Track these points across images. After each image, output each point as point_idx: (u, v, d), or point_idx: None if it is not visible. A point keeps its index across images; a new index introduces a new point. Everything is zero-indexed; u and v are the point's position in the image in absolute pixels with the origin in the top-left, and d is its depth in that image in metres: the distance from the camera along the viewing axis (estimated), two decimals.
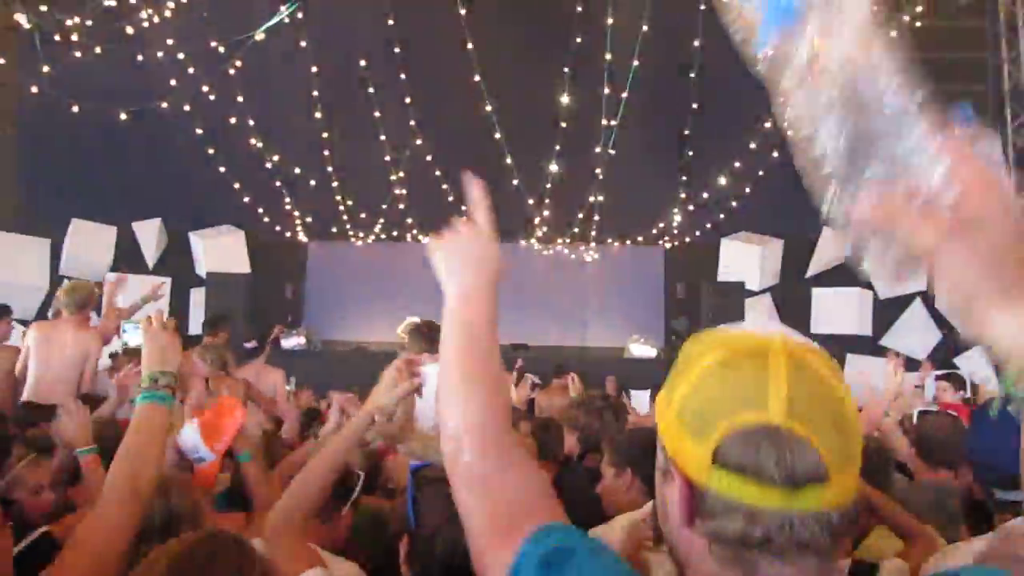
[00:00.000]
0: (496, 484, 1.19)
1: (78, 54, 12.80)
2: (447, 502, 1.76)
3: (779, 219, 14.19)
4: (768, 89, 1.26)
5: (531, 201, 14.64)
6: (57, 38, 12.83)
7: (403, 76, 13.90)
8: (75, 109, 12.75)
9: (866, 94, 1.11)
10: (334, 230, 15.73)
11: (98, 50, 12.88)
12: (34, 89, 12.78)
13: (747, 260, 14.47)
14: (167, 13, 12.64)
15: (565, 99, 13.63)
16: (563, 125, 13.77)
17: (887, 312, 13.86)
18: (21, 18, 12.79)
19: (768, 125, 13.56)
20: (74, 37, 12.84)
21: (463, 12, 13.06)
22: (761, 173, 13.91)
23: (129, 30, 12.75)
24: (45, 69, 12.75)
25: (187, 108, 13.43)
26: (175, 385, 2.20)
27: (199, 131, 13.66)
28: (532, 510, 1.15)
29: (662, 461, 1.10)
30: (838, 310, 13.91)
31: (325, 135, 14.29)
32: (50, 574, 1.80)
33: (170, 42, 13.04)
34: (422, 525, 1.86)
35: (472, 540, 1.18)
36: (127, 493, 1.95)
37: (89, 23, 12.82)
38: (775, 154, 13.70)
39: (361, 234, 15.83)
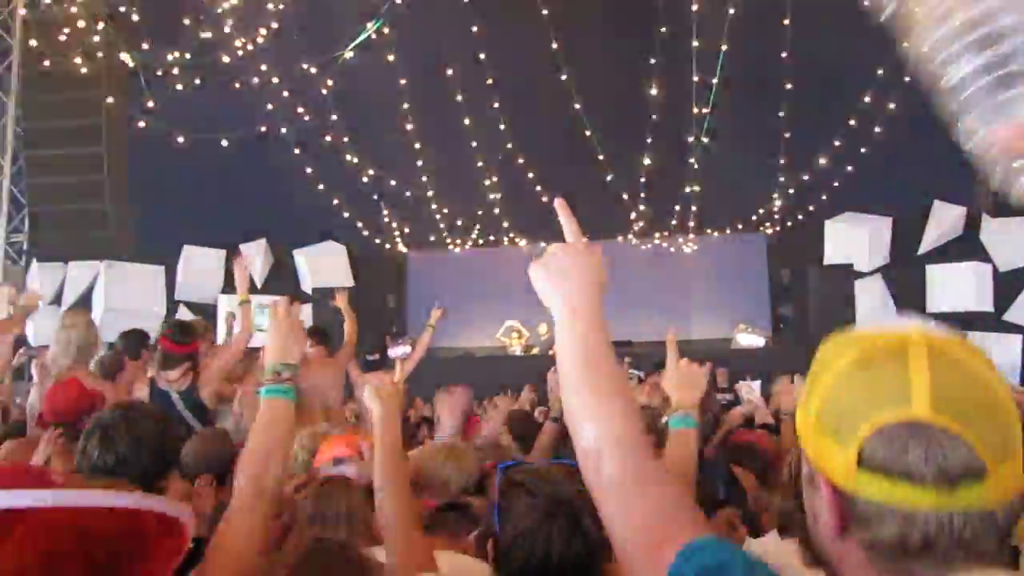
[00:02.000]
0: (638, 495, 1.16)
1: (179, 87, 13.36)
2: (530, 506, 1.75)
3: (885, 196, 13.68)
4: (896, 31, 1.17)
5: (626, 196, 14.51)
6: (160, 73, 13.40)
7: (490, 81, 13.97)
8: (180, 140, 13.26)
9: (1003, 20, 1.04)
10: (432, 238, 15.94)
11: (197, 81, 13.43)
12: (142, 124, 13.36)
13: (854, 241, 13.95)
14: (260, 40, 13.04)
15: (654, 90, 13.44)
16: (654, 117, 13.58)
17: (1010, 285, 13.14)
18: (126, 57, 13.42)
19: (868, 100, 13.12)
20: (175, 71, 13.40)
21: (545, 12, 13.03)
22: (864, 150, 13.44)
23: (225, 59, 13.22)
24: (151, 104, 13.31)
25: (284, 130, 13.82)
26: (298, 377, 2.10)
27: (297, 151, 14.04)
28: (678, 523, 1.11)
29: (807, 471, 1.06)
30: (955, 287, 13.26)
31: (417, 146, 14.48)
32: None
33: (264, 68, 13.47)
34: (505, 527, 1.81)
35: (617, 550, 1.16)
36: (254, 493, 1.90)
37: (188, 56, 13.35)
38: (877, 129, 13.23)
39: (458, 241, 15.99)
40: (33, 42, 13.90)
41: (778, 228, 15.54)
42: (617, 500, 1.17)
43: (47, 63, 13.89)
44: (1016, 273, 12.93)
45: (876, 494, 0.93)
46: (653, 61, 13.29)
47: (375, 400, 2.46)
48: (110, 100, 14.14)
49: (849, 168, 13.75)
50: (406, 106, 14.16)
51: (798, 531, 1.87)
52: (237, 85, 13.48)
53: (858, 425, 0.95)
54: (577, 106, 13.59)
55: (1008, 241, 12.88)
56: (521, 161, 14.27)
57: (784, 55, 13.15)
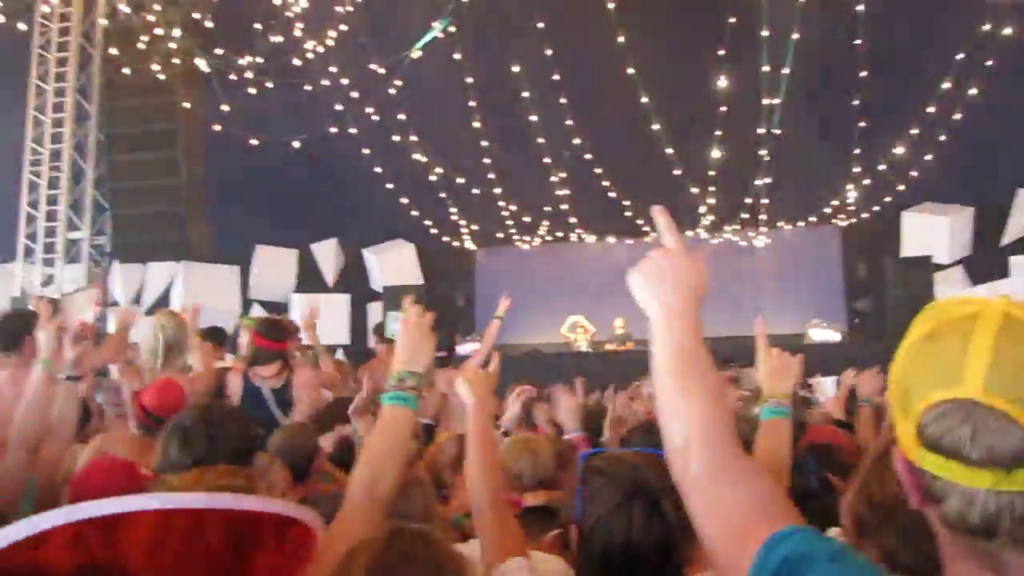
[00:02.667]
0: (725, 491, 1.16)
1: (252, 90, 13.67)
2: (609, 493, 1.76)
3: (966, 185, 13.28)
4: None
5: (695, 190, 14.33)
6: (232, 77, 13.74)
7: (556, 77, 13.93)
8: (253, 142, 13.56)
9: None
10: (500, 236, 15.99)
11: (269, 84, 13.72)
12: (216, 127, 13.70)
13: (934, 232, 13.56)
14: (329, 42, 13.26)
15: (723, 82, 13.21)
16: (723, 109, 13.36)
17: None
18: (200, 63, 13.79)
19: (947, 86, 12.71)
20: (247, 75, 13.72)
21: (611, 6, 12.94)
22: (943, 138, 13.02)
23: (296, 62, 13.49)
24: (224, 108, 13.64)
25: (353, 131, 14.01)
26: (423, 387, 2.08)
27: (366, 151, 14.23)
28: (764, 516, 1.10)
29: (896, 435, 1.03)
30: None
31: (485, 143, 14.53)
32: None
33: (333, 70, 13.69)
34: (586, 513, 1.81)
35: (705, 546, 1.16)
36: (366, 500, 1.90)
37: (260, 60, 13.66)
38: (957, 116, 12.80)
39: (527, 237, 16.01)
40: (113, 50, 14.39)
41: (853, 220, 15.18)
42: (704, 496, 1.18)
43: (126, 71, 14.36)
44: None
45: (938, 471, 0.92)
46: (721, 52, 13.06)
47: (467, 389, 2.47)
48: (186, 105, 14.55)
49: (928, 157, 13.33)
50: (473, 104, 14.22)
51: (873, 535, 1.83)
52: (307, 87, 13.72)
53: (916, 400, 0.95)
54: (644, 100, 13.46)
55: None
56: (588, 157, 14.21)
57: (857, 41, 12.80)
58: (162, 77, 14.22)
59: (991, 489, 0.88)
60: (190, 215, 15.44)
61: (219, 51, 13.58)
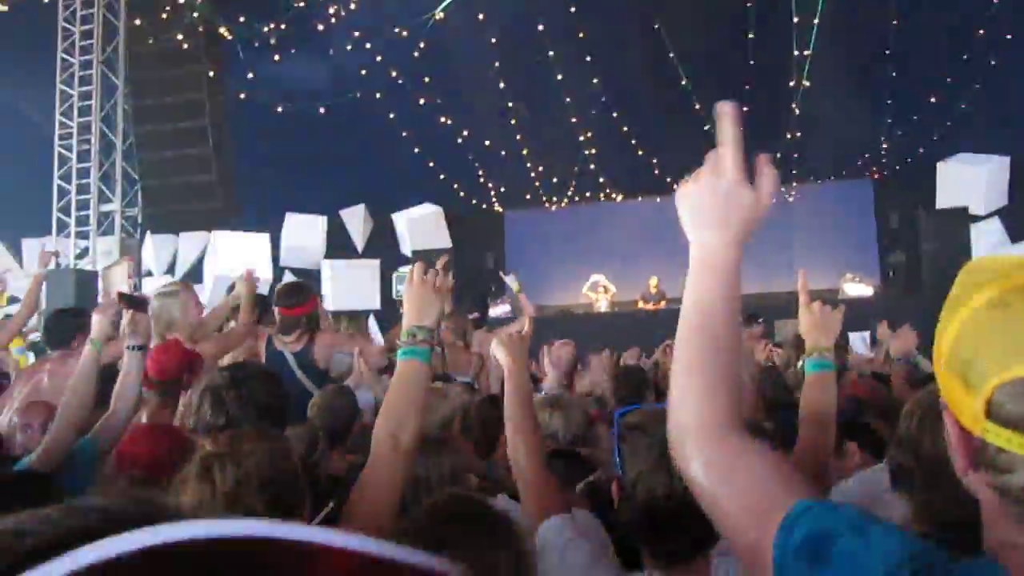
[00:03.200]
0: (735, 481, 1.10)
1: (276, 57, 13.64)
2: (648, 448, 1.76)
3: (1002, 134, 13.02)
4: None
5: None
6: (256, 45, 13.71)
7: (581, 35, 13.77)
8: (279, 109, 13.57)
9: None
10: (528, 197, 15.95)
11: (293, 51, 13.68)
12: (242, 95, 13.72)
13: (969, 183, 13.31)
14: (352, 6, 13.16)
15: (751, 35, 13.00)
16: (752, 63, 13.16)
17: None
18: (224, 31, 13.77)
19: (982, 32, 12.41)
20: (271, 42, 13.68)
21: None
22: (977, 86, 12.75)
23: (319, 27, 13.42)
24: (249, 76, 13.64)
25: (378, 95, 13.97)
26: (433, 339, 2.17)
27: (391, 116, 14.19)
28: (774, 495, 1.05)
29: (941, 400, 0.99)
30: None
31: (511, 104, 14.44)
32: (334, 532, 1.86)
33: (357, 34, 13.60)
34: (626, 469, 1.82)
35: (724, 534, 1.12)
36: (389, 450, 1.99)
37: (283, 27, 13.60)
38: (992, 63, 12.52)
39: (555, 198, 15.96)
40: (137, 21, 14.39)
41: (886, 172, 14.95)
42: (710, 487, 1.12)
43: (151, 41, 14.37)
44: None
45: (1007, 445, 0.88)
46: (749, 4, 12.85)
47: (502, 350, 2.51)
48: (211, 74, 14.55)
49: (963, 106, 13.08)
50: (498, 64, 14.11)
51: (909, 487, 1.84)
52: (331, 52, 13.68)
53: (988, 374, 0.89)
54: (671, 55, 13.28)
55: None
56: (615, 115, 14.08)
57: None
58: (186, 46, 14.21)
59: None
60: (219, 184, 15.52)
61: (242, 18, 13.52)
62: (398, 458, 2.00)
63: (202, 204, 15.50)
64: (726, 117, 1.21)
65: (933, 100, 13.25)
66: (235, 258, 14.50)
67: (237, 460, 1.82)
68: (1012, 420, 0.87)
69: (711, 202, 1.20)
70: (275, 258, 15.23)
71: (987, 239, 12.71)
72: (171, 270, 15.18)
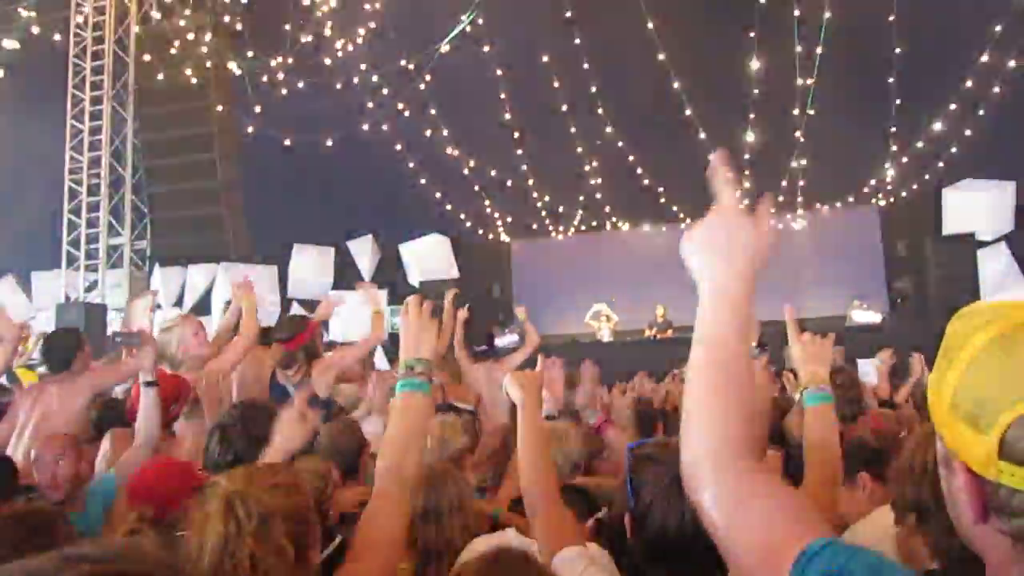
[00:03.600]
0: (749, 514, 1.09)
1: (284, 91, 13.78)
2: (659, 479, 1.76)
3: (1007, 160, 13.02)
4: None
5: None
6: (264, 79, 13.86)
7: (586, 65, 13.88)
8: (287, 142, 13.69)
9: None
10: (534, 227, 16.01)
11: (301, 84, 13.82)
12: (250, 129, 13.85)
13: (975, 208, 13.31)
14: (359, 40, 13.32)
15: (755, 64, 13.08)
16: (756, 92, 13.25)
17: None
18: (232, 66, 13.93)
19: (985, 59, 12.48)
20: (279, 76, 13.83)
21: None
22: (982, 112, 12.81)
23: (326, 61, 13.57)
24: (257, 109, 13.78)
25: (385, 127, 14.09)
26: (430, 371, 2.15)
27: (398, 147, 14.30)
28: (789, 533, 1.04)
29: (942, 452, 0.97)
30: None
31: (516, 134, 14.54)
32: (345, 568, 1.86)
33: (363, 67, 13.76)
34: (639, 500, 1.82)
35: (732, 568, 1.10)
36: (394, 483, 1.97)
37: (290, 61, 13.76)
38: (995, 89, 12.58)
39: (561, 228, 16.02)
40: (147, 57, 14.57)
41: (892, 199, 14.98)
42: (723, 520, 1.11)
43: (160, 76, 14.55)
44: None
45: (1020, 483, 0.86)
46: (753, 34, 12.95)
47: (515, 388, 2.52)
48: (220, 108, 14.71)
49: (967, 132, 13.12)
50: (503, 96, 14.22)
51: (923, 521, 1.82)
52: (339, 86, 13.81)
53: (999, 412, 0.87)
54: (676, 85, 13.38)
55: None
56: (621, 144, 14.15)
57: (891, 18, 12.61)
58: (195, 81, 14.38)
59: None
60: (227, 217, 15.63)
61: (250, 53, 13.70)
62: (402, 492, 1.99)
63: (210, 236, 15.60)
64: (718, 169, 1.30)
65: (938, 127, 13.29)
66: None
67: (259, 496, 1.80)
68: None
69: (715, 237, 1.25)
70: (283, 289, 15.27)
71: (993, 264, 12.70)
72: (179, 302, 15.23)
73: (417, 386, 2.12)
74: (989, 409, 0.88)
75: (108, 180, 14.38)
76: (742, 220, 1.25)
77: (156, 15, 14.56)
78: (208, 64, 14.36)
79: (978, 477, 0.90)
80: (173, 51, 14.34)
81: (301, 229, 15.22)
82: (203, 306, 14.64)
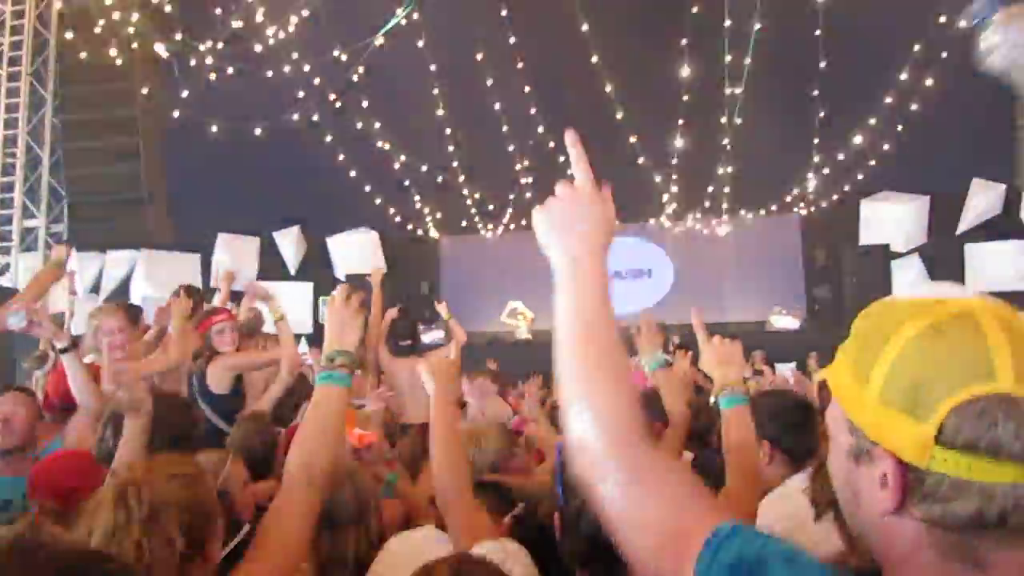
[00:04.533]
0: (649, 495, 1.06)
1: (213, 76, 13.45)
2: None
3: (923, 175, 13.48)
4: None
5: (659, 178, 14.44)
6: (193, 63, 13.51)
7: (520, 65, 13.92)
8: (214, 129, 13.38)
9: None
10: (463, 224, 15.99)
11: (230, 70, 13.51)
12: (176, 113, 13.48)
13: (891, 221, 13.78)
14: (291, 28, 13.09)
15: (686, 71, 13.28)
16: (685, 98, 13.46)
17: None
18: (159, 48, 13.55)
19: (904, 77, 12.91)
20: (208, 61, 13.50)
21: None
22: (900, 128, 13.24)
23: (257, 48, 13.29)
24: (184, 94, 13.42)
25: (315, 118, 13.89)
26: (353, 365, 2.08)
27: (328, 139, 14.11)
28: (695, 514, 1.03)
29: (853, 444, 0.97)
30: (995, 266, 13.01)
31: (448, 131, 14.50)
32: (243, 567, 1.79)
33: (295, 56, 13.52)
34: (570, 499, 1.83)
35: (631, 554, 1.06)
36: (303, 480, 1.90)
37: (220, 46, 13.44)
38: (914, 107, 13.02)
39: (490, 226, 16.03)
40: (69, 35, 14.08)
41: (813, 208, 15.39)
42: (622, 502, 1.07)
43: (83, 55, 14.07)
44: None
45: (954, 470, 0.88)
46: (684, 41, 13.15)
47: (430, 378, 2.51)
48: (145, 91, 14.31)
49: (886, 147, 13.57)
50: (436, 91, 14.16)
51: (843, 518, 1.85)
52: (269, 74, 13.55)
53: (938, 399, 0.89)
54: (608, 88, 13.52)
55: None
56: (552, 145, 14.21)
57: (817, 32, 12.93)
58: (120, 62, 13.94)
59: (1010, 484, 0.86)
60: (150, 202, 15.22)
61: (178, 36, 13.34)
62: (312, 489, 1.91)
63: (131, 223, 15.15)
64: (574, 144, 1.31)
65: (858, 140, 13.69)
66: (164, 278, 14.19)
67: (153, 486, 1.77)
68: (968, 443, 0.88)
69: (570, 215, 1.26)
70: (205, 279, 14.92)
71: (906, 275, 13.13)
72: (95, 289, 14.76)
73: (337, 379, 2.05)
74: (926, 398, 0.90)
75: (24, 160, 13.89)
76: (594, 197, 1.27)
77: None
78: (134, 45, 13.91)
79: (904, 465, 0.92)
80: (97, 29, 13.84)
81: (226, 218, 14.89)
82: (121, 294, 14.20)
